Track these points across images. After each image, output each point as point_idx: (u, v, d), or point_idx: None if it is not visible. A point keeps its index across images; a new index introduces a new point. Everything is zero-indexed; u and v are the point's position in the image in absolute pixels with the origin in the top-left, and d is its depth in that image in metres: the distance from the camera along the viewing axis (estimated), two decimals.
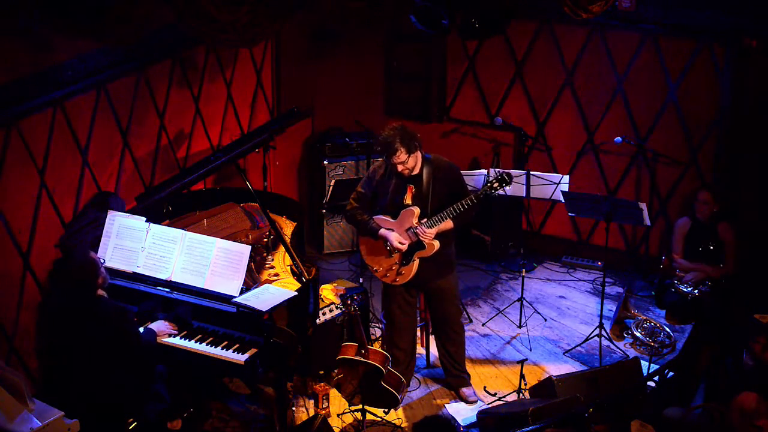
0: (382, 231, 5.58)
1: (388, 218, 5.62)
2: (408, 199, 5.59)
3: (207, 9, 5.21)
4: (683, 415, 4.83)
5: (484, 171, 7.07)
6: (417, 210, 5.54)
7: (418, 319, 6.22)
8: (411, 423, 5.74)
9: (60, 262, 5.47)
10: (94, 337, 4.65)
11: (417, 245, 5.58)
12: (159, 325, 5.08)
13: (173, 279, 5.21)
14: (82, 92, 5.60)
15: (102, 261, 5.03)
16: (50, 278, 5.43)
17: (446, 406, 5.96)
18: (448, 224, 5.54)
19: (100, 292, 4.78)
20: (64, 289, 4.80)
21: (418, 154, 5.51)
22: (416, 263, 5.61)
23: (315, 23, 7.83)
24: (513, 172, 6.94)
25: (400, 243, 5.56)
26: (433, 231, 5.52)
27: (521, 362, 5.82)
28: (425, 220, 5.52)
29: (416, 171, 5.56)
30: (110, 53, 5.77)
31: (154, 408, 4.89)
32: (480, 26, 7.40)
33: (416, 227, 5.52)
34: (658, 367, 5.70)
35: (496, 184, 5.54)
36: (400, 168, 5.46)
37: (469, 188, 5.94)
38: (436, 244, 5.57)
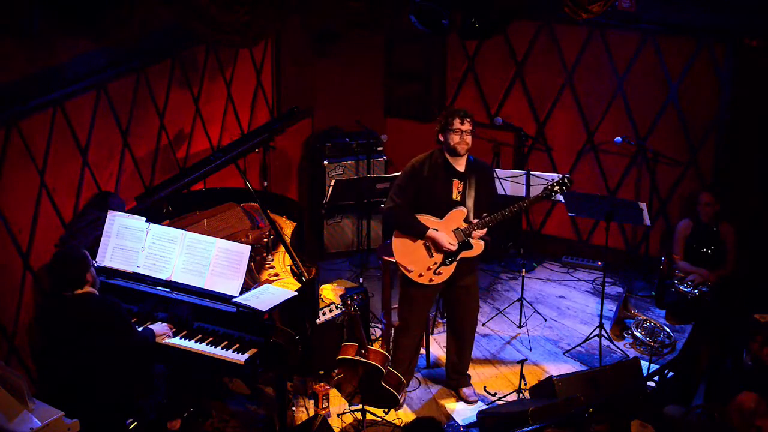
0: (431, 232, 5.52)
1: (433, 218, 5.56)
2: (456, 195, 5.57)
3: (207, 9, 5.22)
4: (683, 414, 4.83)
5: None
6: (465, 211, 5.54)
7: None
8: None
9: None
10: (85, 334, 4.64)
11: (464, 245, 5.57)
12: (158, 327, 5.08)
13: (173, 279, 5.21)
14: (82, 92, 5.59)
15: (95, 263, 5.02)
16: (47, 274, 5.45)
17: (446, 406, 5.96)
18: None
19: (91, 289, 4.77)
20: (52, 285, 4.81)
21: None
22: (456, 263, 5.60)
23: (315, 23, 7.83)
24: (513, 172, 6.96)
25: (450, 244, 5.52)
26: (484, 231, 5.54)
27: (521, 362, 5.82)
28: (476, 220, 5.52)
29: (463, 167, 5.57)
30: (110, 53, 5.77)
31: (151, 403, 4.88)
32: (480, 26, 7.41)
33: (468, 229, 5.52)
34: (658, 367, 5.70)
35: (557, 188, 5.58)
36: (464, 137, 5.45)
37: None
38: (482, 244, 5.58)
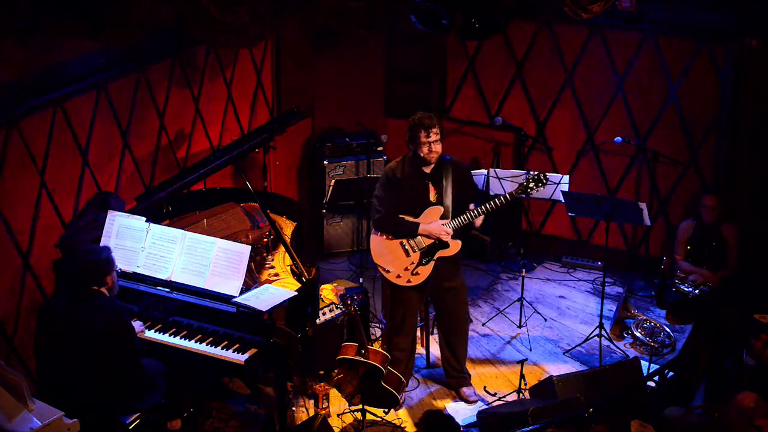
0: (422, 227, 5.55)
1: (409, 218, 5.60)
2: (432, 197, 5.61)
3: (207, 9, 5.22)
4: (683, 415, 4.83)
5: (484, 171, 7.07)
6: (441, 208, 5.57)
7: (418, 319, 6.22)
8: (411, 423, 5.75)
9: (60, 262, 5.47)
10: (92, 332, 4.63)
11: (439, 244, 5.59)
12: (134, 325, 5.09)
13: (173, 279, 5.21)
14: (82, 92, 5.60)
15: (119, 269, 5.00)
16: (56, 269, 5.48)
17: (446, 406, 5.96)
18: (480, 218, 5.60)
19: (104, 291, 4.77)
20: (69, 279, 4.81)
21: None
22: (433, 263, 5.61)
23: (315, 23, 7.83)
24: (513, 172, 6.96)
25: (446, 232, 5.53)
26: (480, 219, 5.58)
27: (521, 362, 5.82)
28: (448, 219, 5.54)
29: (434, 169, 5.60)
30: (110, 53, 5.77)
31: (151, 403, 4.88)
32: (480, 26, 7.43)
33: (452, 223, 5.54)
34: (658, 367, 5.70)
35: (532, 185, 5.60)
36: (433, 148, 5.47)
37: None
38: (459, 243, 5.59)
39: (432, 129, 5.47)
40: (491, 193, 7.04)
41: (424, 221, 5.58)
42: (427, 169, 5.61)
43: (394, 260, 5.64)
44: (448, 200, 5.59)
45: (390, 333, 5.93)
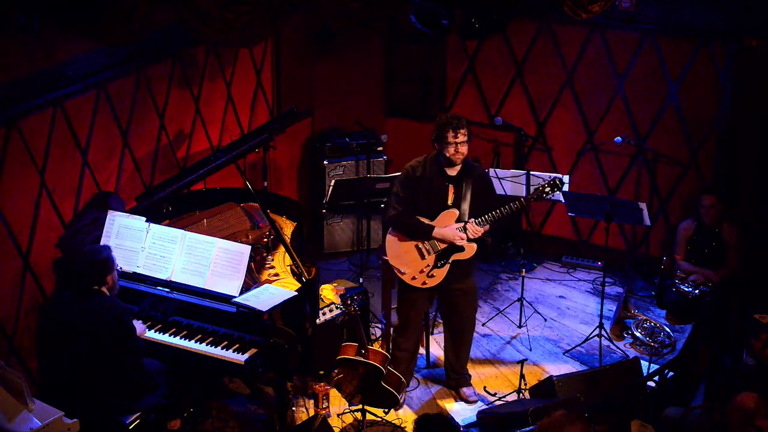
0: (437, 230, 5.52)
1: (425, 220, 5.57)
2: (450, 201, 5.58)
3: (207, 9, 5.22)
4: (683, 415, 4.83)
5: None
6: (457, 212, 5.54)
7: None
8: (411, 423, 5.75)
9: (60, 262, 5.47)
10: (93, 332, 4.64)
11: (454, 247, 5.56)
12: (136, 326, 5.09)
13: (173, 279, 5.21)
14: (82, 92, 5.60)
15: (120, 268, 5.01)
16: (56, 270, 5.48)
17: (446, 406, 5.96)
18: (486, 226, 5.56)
19: (105, 291, 4.77)
20: (69, 280, 4.81)
21: None
22: (448, 266, 5.59)
23: (315, 23, 7.83)
24: (513, 172, 6.97)
25: (460, 237, 5.50)
26: (482, 230, 5.51)
27: (521, 362, 5.83)
28: (472, 220, 5.51)
29: (456, 172, 5.56)
30: (110, 53, 5.77)
31: (151, 402, 4.88)
32: (480, 26, 7.43)
33: (465, 226, 5.49)
34: (658, 367, 5.70)
35: (548, 189, 5.60)
36: (459, 149, 5.43)
37: None
38: (474, 246, 5.57)
39: (460, 130, 5.43)
40: None
41: (439, 225, 5.55)
42: (451, 172, 5.56)
43: (410, 262, 5.62)
44: (466, 205, 5.55)
45: (394, 333, 5.93)
